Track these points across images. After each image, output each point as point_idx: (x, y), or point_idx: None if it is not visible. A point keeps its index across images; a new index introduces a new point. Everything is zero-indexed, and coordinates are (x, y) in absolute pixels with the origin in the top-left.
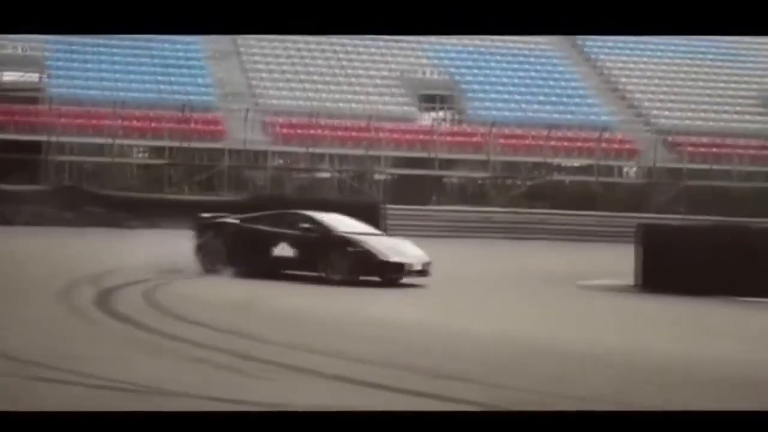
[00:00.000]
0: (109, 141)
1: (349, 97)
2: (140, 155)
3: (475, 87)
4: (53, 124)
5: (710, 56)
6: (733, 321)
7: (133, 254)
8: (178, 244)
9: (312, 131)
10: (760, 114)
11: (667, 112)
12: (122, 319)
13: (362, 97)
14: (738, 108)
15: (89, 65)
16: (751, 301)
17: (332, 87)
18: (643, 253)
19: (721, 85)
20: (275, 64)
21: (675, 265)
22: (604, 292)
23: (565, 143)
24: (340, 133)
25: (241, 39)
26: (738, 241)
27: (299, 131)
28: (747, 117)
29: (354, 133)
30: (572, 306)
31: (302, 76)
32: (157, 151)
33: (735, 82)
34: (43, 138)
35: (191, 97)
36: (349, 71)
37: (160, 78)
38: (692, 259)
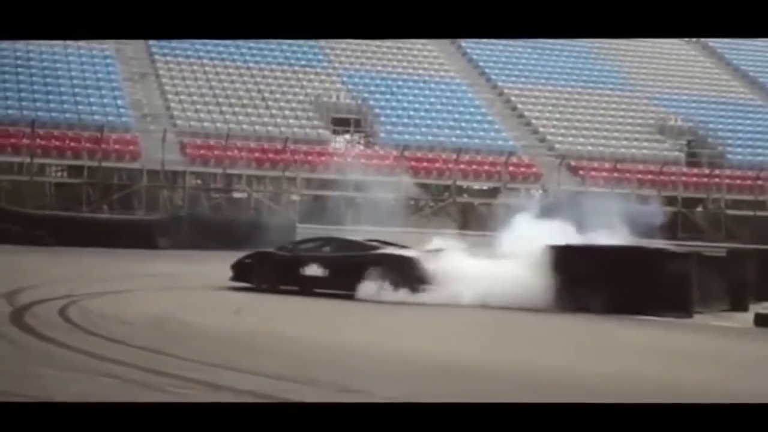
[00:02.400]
0: (27, 160)
1: (265, 120)
2: (58, 174)
3: (388, 111)
4: None
5: (610, 85)
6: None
7: (50, 271)
8: (93, 261)
9: (228, 152)
10: (657, 141)
11: (570, 138)
12: (37, 336)
13: (279, 120)
14: (636, 135)
15: (8, 84)
16: (645, 319)
17: (249, 110)
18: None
19: (621, 113)
20: (194, 86)
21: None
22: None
23: (473, 166)
24: (256, 154)
25: (160, 61)
26: (634, 261)
27: (216, 152)
28: (645, 143)
29: (270, 155)
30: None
31: (220, 99)
32: (75, 170)
33: (633, 110)
34: None
35: (109, 118)
36: (266, 95)
37: (78, 98)
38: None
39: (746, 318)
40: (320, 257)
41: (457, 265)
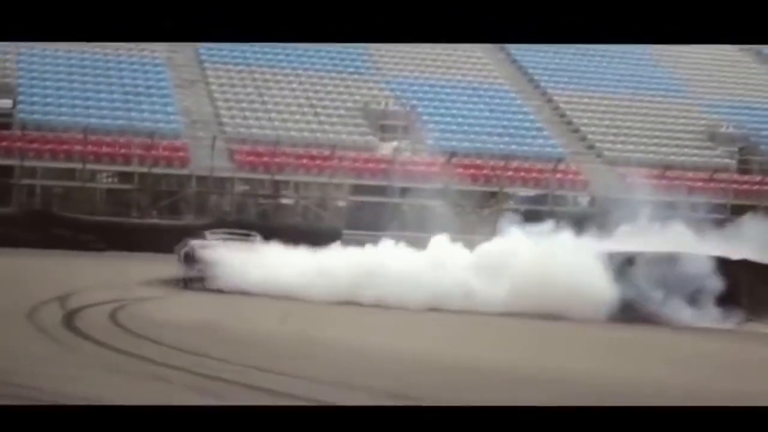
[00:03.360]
0: (79, 166)
1: (314, 126)
2: (108, 180)
3: (436, 118)
4: (25, 148)
5: (661, 91)
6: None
7: (100, 276)
8: (142, 266)
9: (277, 159)
10: (707, 148)
11: (619, 145)
12: (87, 339)
13: (327, 127)
14: (686, 142)
15: (62, 91)
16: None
17: (297, 116)
18: None
19: (671, 119)
20: (243, 93)
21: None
22: None
23: (521, 173)
24: (304, 160)
25: (210, 68)
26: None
27: (264, 159)
28: (695, 150)
29: (318, 161)
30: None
31: (269, 106)
32: (126, 177)
33: (684, 116)
34: (14, 162)
35: (159, 124)
36: (314, 101)
37: (129, 105)
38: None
39: None
40: None
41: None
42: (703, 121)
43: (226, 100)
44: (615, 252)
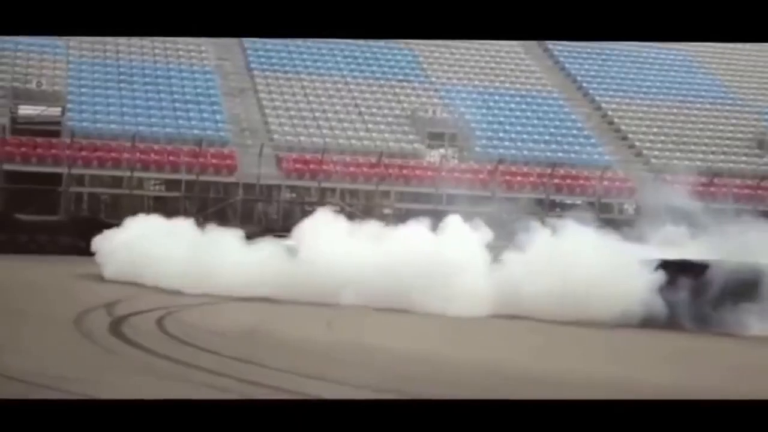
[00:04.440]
0: (127, 173)
1: (362, 134)
2: (156, 187)
3: (483, 125)
4: (73, 156)
5: (709, 99)
6: None
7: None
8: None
9: (324, 166)
10: (756, 155)
11: (667, 153)
12: (134, 345)
13: (374, 134)
14: (735, 149)
15: (111, 99)
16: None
17: (345, 124)
18: None
19: (720, 126)
20: (291, 101)
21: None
22: None
23: (568, 181)
24: (351, 168)
25: (259, 76)
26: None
27: (311, 166)
28: (743, 158)
29: (365, 169)
30: None
31: (316, 113)
32: (173, 184)
33: (733, 123)
34: (63, 170)
35: (208, 132)
36: (362, 109)
37: (178, 113)
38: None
39: None
40: None
41: None
42: (751, 128)
43: (275, 108)
44: (659, 259)
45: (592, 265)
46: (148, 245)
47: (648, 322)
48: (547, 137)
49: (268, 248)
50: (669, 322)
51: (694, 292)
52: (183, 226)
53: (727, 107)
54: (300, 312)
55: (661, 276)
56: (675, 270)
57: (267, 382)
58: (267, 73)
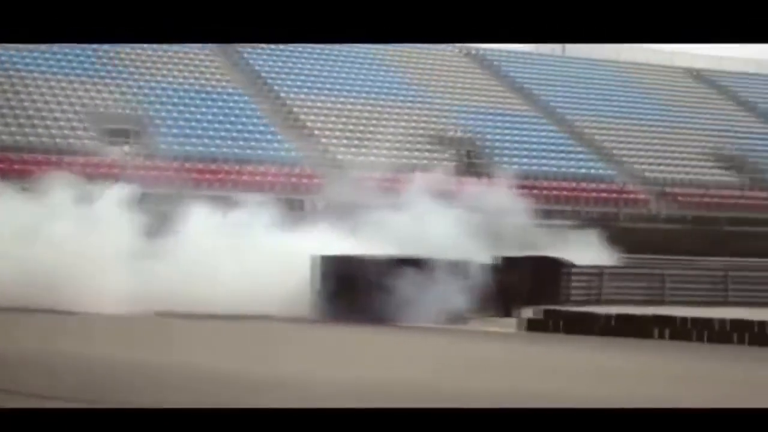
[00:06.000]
0: None
1: (39, 131)
2: None
3: (169, 122)
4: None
5: (398, 97)
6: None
7: None
8: None
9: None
10: (438, 151)
11: (353, 149)
12: None
13: (53, 131)
14: (418, 145)
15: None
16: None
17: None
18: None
19: (402, 123)
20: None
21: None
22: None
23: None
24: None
25: None
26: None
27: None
28: (426, 153)
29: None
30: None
31: None
32: None
33: (415, 120)
34: None
35: None
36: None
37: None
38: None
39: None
40: None
41: None
42: (432, 125)
43: None
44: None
45: (256, 261)
46: None
47: (312, 315)
48: (234, 134)
49: None
50: (331, 315)
51: (350, 285)
52: None
53: (409, 104)
54: None
55: (322, 270)
56: (333, 264)
57: None
58: None
